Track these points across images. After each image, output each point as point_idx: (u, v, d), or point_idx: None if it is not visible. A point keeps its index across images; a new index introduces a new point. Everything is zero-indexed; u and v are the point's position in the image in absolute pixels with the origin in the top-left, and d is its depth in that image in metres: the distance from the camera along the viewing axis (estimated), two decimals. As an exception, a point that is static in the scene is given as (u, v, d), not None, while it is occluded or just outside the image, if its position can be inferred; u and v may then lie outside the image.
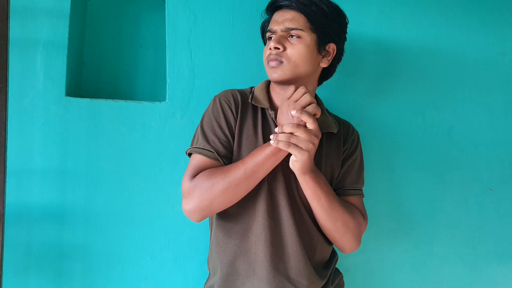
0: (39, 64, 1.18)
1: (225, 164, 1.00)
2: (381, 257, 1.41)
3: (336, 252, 1.15)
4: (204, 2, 1.28)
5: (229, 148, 1.02)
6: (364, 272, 1.40)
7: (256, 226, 0.99)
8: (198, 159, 1.00)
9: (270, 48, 1.03)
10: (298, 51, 1.01)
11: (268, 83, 1.13)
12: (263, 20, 1.14)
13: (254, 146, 1.02)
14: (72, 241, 1.19)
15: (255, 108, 1.07)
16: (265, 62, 1.06)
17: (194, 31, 1.27)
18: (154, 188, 1.23)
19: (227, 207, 0.99)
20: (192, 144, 1.04)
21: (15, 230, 1.16)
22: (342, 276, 1.16)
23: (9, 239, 1.13)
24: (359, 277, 1.39)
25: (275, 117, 1.04)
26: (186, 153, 1.05)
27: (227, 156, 1.01)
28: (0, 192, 1.01)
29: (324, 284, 1.05)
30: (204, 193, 0.95)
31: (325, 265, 1.09)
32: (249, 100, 1.06)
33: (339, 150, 1.12)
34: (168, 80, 1.25)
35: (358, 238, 1.07)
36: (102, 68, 1.35)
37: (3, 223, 1.02)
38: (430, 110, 1.46)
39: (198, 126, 1.06)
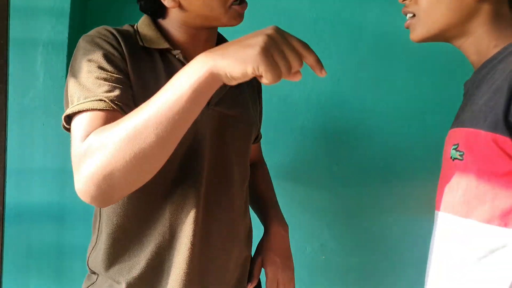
0: (39, 64, 1.18)
1: None
2: (381, 257, 1.41)
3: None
4: (204, 2, 1.28)
5: (127, 93, 0.70)
6: (364, 272, 1.40)
7: None
8: (86, 117, 0.65)
9: None
10: None
11: (151, 20, 0.83)
12: None
13: None
14: (72, 241, 1.19)
15: (147, 50, 0.79)
16: (221, 7, 0.76)
17: (194, 31, 1.27)
18: (154, 188, 1.23)
19: (140, 183, 0.63)
20: (67, 108, 0.70)
21: (15, 230, 1.16)
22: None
23: (9, 238, 1.13)
24: (359, 277, 1.39)
25: (184, 58, 0.80)
26: (63, 125, 0.70)
27: (128, 103, 0.69)
28: (0, 192, 1.01)
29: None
30: (99, 154, 0.58)
31: None
32: (140, 43, 0.78)
33: (251, 90, 0.97)
34: (168, 79, 1.25)
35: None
36: (102, 68, 1.35)
37: (3, 223, 1.02)
38: (433, 107, 1.46)
39: (67, 86, 0.73)
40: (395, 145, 1.43)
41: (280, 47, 0.54)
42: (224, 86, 0.80)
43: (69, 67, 0.73)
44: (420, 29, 0.73)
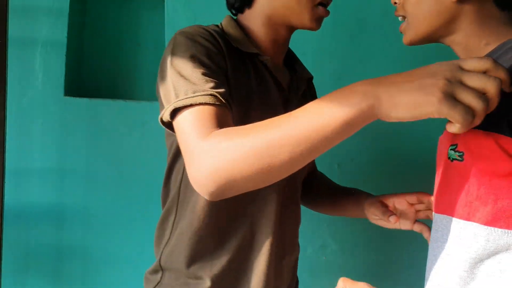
0: (38, 64, 1.18)
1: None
2: (381, 258, 1.40)
3: None
4: (204, 1, 1.27)
5: (227, 91, 0.68)
6: (365, 272, 1.40)
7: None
8: (200, 111, 0.63)
9: None
10: None
11: (235, 21, 0.83)
12: None
13: (248, 104, 0.75)
14: (71, 241, 1.19)
15: (238, 51, 0.78)
16: (309, 2, 0.77)
17: (193, 30, 1.27)
18: (153, 188, 1.23)
19: (256, 188, 0.62)
20: (168, 103, 0.66)
21: (14, 230, 1.16)
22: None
23: (8, 239, 1.13)
24: (360, 278, 1.39)
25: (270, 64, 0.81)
26: (161, 118, 0.67)
27: (230, 101, 0.68)
28: (-2, 192, 1.01)
29: None
30: (226, 158, 0.57)
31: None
32: (233, 43, 0.78)
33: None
34: (167, 79, 1.25)
35: None
36: (101, 68, 1.35)
37: (2, 223, 1.01)
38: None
39: (164, 80, 0.69)
40: (395, 145, 1.42)
41: (460, 82, 0.47)
42: (296, 92, 0.88)
43: (166, 62, 0.70)
44: (409, 33, 0.74)
